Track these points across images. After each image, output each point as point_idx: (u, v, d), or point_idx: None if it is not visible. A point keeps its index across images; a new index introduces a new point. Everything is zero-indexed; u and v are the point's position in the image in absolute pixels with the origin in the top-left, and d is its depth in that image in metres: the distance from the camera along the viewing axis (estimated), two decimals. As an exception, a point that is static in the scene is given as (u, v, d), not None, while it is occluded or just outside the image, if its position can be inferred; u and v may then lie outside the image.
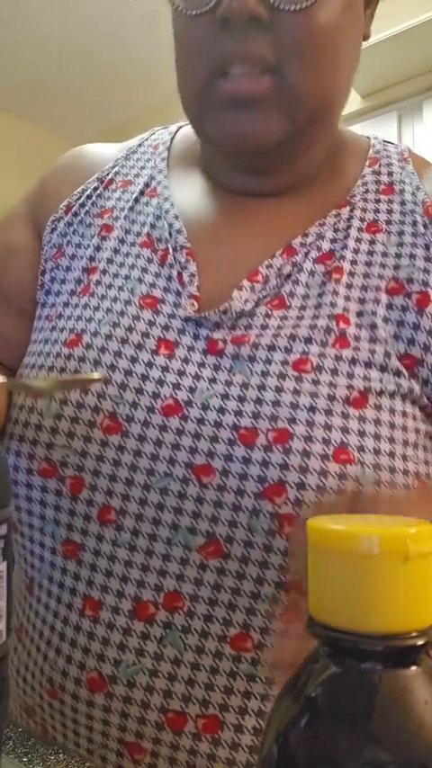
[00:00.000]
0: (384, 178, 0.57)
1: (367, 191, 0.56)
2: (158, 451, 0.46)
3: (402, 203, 0.55)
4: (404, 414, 0.48)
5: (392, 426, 0.47)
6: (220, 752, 0.45)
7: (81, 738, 0.47)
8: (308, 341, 0.48)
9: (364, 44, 0.56)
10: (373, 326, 0.49)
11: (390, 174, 0.57)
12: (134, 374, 0.49)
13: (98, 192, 0.60)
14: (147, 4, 2.28)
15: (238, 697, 0.45)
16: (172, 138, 0.63)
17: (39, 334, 0.56)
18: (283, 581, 0.43)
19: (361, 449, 0.45)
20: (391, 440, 0.47)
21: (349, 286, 0.51)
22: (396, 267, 0.52)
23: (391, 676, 0.20)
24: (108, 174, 0.62)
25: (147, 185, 0.59)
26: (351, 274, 0.51)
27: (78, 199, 0.60)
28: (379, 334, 0.49)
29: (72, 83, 2.74)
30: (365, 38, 0.56)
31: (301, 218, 0.54)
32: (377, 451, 0.46)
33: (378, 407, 0.47)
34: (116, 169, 0.62)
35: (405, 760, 0.19)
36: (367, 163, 0.58)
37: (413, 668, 0.20)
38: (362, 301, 0.50)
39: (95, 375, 0.48)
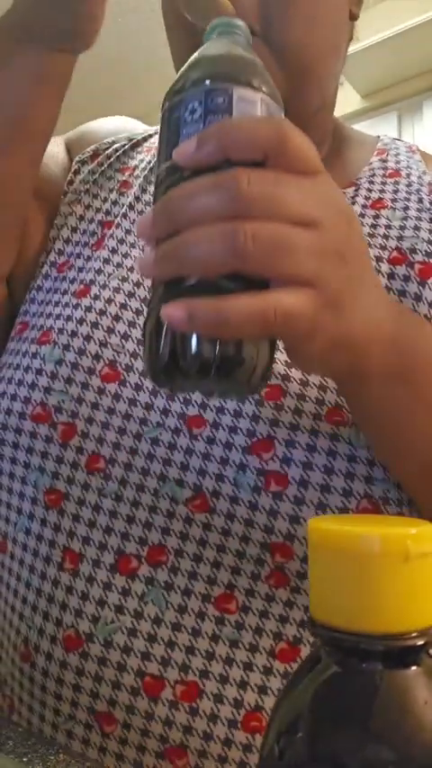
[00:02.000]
0: (391, 164, 0.57)
1: (374, 174, 0.56)
2: (153, 401, 0.47)
3: (408, 184, 0.55)
4: None
5: None
6: (198, 723, 0.42)
7: (47, 711, 0.44)
8: None
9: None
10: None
11: (397, 161, 0.58)
12: (137, 326, 0.49)
13: (125, 148, 0.61)
14: (147, 4, 2.28)
15: (219, 663, 0.42)
16: None
17: (46, 281, 0.55)
18: (268, 542, 0.42)
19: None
20: None
21: None
22: (400, 238, 0.51)
23: (392, 676, 0.20)
24: (138, 137, 0.62)
25: None
26: None
27: (107, 149, 0.61)
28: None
29: (72, 83, 2.74)
30: (353, 17, 0.56)
31: None
32: None
33: None
34: (146, 136, 0.63)
35: (405, 760, 0.19)
36: (375, 153, 0.59)
37: (414, 668, 0.20)
38: None
39: None
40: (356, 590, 0.20)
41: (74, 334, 0.50)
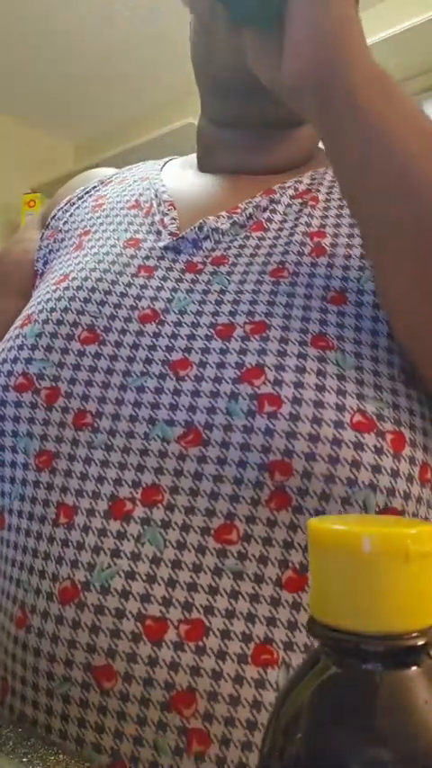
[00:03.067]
0: None
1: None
2: (135, 354, 0.48)
3: None
4: None
5: (375, 320, 0.47)
6: (206, 662, 0.39)
7: (40, 677, 0.42)
8: (284, 253, 0.51)
9: None
10: (351, 236, 0.52)
11: None
12: (113, 293, 0.52)
13: (97, 188, 0.67)
14: (146, 3, 2.28)
15: (224, 598, 0.41)
16: (163, 165, 0.69)
17: (36, 290, 0.59)
18: (265, 462, 0.41)
19: (340, 338, 0.46)
20: (374, 332, 0.47)
21: (326, 209, 0.54)
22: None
23: (392, 677, 0.20)
24: (109, 176, 0.69)
25: (141, 178, 0.65)
26: (327, 201, 0.55)
27: (79, 196, 0.67)
28: (355, 241, 0.51)
29: (72, 83, 2.74)
30: None
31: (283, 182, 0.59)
32: (358, 342, 0.46)
33: (359, 304, 0.48)
34: (116, 173, 0.69)
35: (406, 760, 0.19)
36: None
37: (414, 668, 0.20)
38: (339, 217, 0.53)
39: None
40: (356, 590, 0.20)
41: (52, 310, 0.52)
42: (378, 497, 0.41)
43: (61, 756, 0.35)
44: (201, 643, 0.40)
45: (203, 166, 0.65)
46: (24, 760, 0.34)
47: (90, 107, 2.91)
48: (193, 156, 0.67)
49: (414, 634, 0.20)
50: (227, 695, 0.39)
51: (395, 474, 0.42)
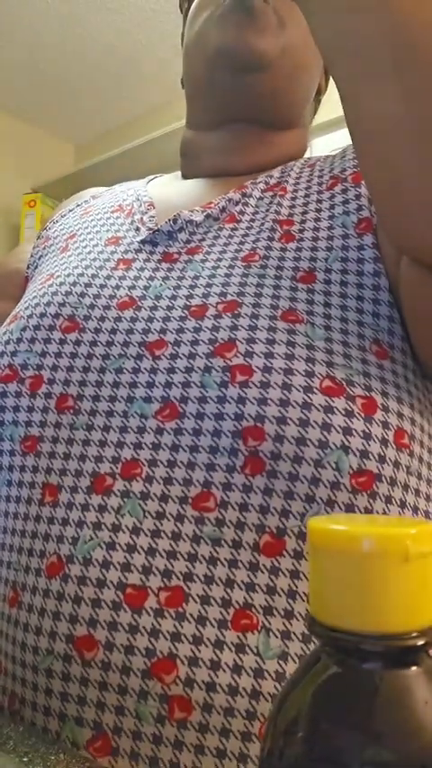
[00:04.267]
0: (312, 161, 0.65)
1: (312, 157, 0.65)
2: (113, 338, 0.50)
3: (343, 157, 0.62)
4: (359, 285, 0.49)
5: (344, 296, 0.49)
6: (186, 628, 0.40)
7: (27, 653, 0.43)
8: (255, 240, 0.53)
9: None
10: (317, 219, 0.54)
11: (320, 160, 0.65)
12: (93, 285, 0.54)
13: (88, 201, 0.72)
14: (147, 3, 2.28)
15: (203, 564, 0.41)
16: (149, 181, 0.73)
17: (26, 292, 0.62)
18: (239, 429, 0.42)
19: (310, 312, 0.47)
20: (344, 307, 0.48)
21: (293, 198, 0.57)
22: (331, 169, 0.59)
23: (392, 676, 0.20)
24: (101, 192, 0.73)
25: (127, 188, 0.70)
26: (294, 191, 0.58)
27: (71, 208, 0.72)
28: (322, 224, 0.53)
29: (72, 83, 2.74)
30: (319, 91, 0.73)
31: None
32: (327, 316, 0.47)
33: (327, 282, 0.49)
34: (108, 189, 0.73)
35: (406, 760, 0.19)
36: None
37: (413, 668, 0.20)
38: (306, 205, 0.56)
39: None
40: (356, 590, 0.20)
41: (37, 305, 0.55)
42: (351, 459, 0.42)
43: (62, 756, 0.35)
44: (180, 609, 0.40)
45: (186, 174, 0.69)
46: (25, 759, 0.34)
47: (90, 107, 2.91)
48: (178, 172, 0.72)
49: (414, 634, 0.20)
50: (207, 660, 0.39)
51: (367, 437, 0.43)
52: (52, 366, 0.50)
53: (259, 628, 0.40)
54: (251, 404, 0.43)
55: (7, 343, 0.54)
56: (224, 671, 0.39)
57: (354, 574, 0.20)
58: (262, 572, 0.41)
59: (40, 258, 0.67)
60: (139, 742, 0.39)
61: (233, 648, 0.40)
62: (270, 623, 0.41)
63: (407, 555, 0.20)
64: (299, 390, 0.43)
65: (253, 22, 0.60)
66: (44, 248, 0.67)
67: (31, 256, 0.69)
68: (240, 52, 0.60)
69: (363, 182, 0.54)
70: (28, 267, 0.69)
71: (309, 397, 0.43)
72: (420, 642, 0.20)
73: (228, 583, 0.41)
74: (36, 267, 0.67)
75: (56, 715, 0.41)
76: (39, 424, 0.49)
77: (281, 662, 0.40)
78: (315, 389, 0.43)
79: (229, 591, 0.41)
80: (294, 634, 0.41)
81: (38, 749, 0.35)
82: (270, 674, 0.40)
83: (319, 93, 0.73)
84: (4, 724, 0.38)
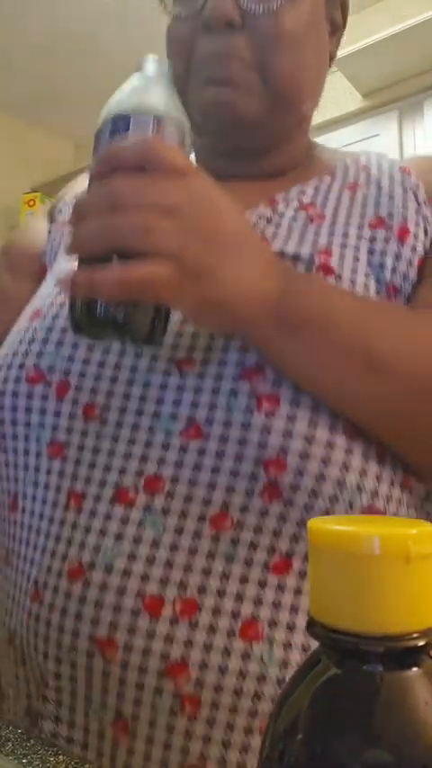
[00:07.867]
0: (363, 161, 0.62)
1: (347, 166, 0.61)
2: (143, 350, 0.50)
3: (380, 168, 0.60)
4: None
5: None
6: (198, 636, 0.44)
7: (51, 646, 0.46)
8: (294, 264, 0.52)
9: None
10: (356, 259, 0.52)
11: (368, 159, 0.62)
12: None
13: None
14: (146, 3, 2.28)
15: (216, 579, 0.44)
16: None
17: (44, 282, 0.61)
18: (261, 458, 0.44)
19: None
20: None
21: (332, 225, 0.55)
22: (377, 205, 0.56)
23: (392, 677, 0.20)
24: None
25: None
26: (333, 218, 0.55)
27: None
28: (360, 265, 0.52)
29: (72, 83, 2.74)
30: (332, 57, 0.62)
31: (283, 189, 0.58)
32: None
33: None
34: None
35: (406, 761, 0.19)
36: (348, 156, 0.63)
37: (414, 669, 0.20)
38: (345, 236, 0.54)
39: None
40: (357, 591, 0.20)
41: (62, 305, 0.54)
42: (363, 497, 0.45)
43: (61, 757, 0.35)
44: (194, 619, 0.44)
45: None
46: (24, 761, 0.34)
47: (90, 107, 2.91)
48: None
49: (414, 635, 0.20)
50: (216, 666, 0.43)
51: (379, 478, 0.45)
52: (79, 373, 0.50)
53: (264, 639, 0.44)
54: (276, 435, 0.44)
55: (31, 341, 0.53)
56: (231, 675, 0.43)
57: (354, 574, 0.20)
58: (270, 588, 0.45)
59: (58, 246, 0.64)
60: (154, 729, 0.44)
61: (240, 656, 0.44)
62: (274, 635, 0.44)
63: (408, 556, 0.20)
64: (324, 428, 0.44)
65: (230, 81, 0.52)
66: (62, 235, 0.64)
67: (49, 243, 0.65)
68: (224, 120, 0.54)
69: (407, 240, 0.53)
70: (45, 253, 0.65)
71: (333, 436, 0.44)
72: (421, 643, 0.20)
73: (238, 597, 0.44)
74: (55, 255, 0.63)
75: (82, 697, 0.45)
76: (65, 430, 0.50)
77: (282, 669, 0.44)
78: (339, 428, 0.45)
79: (238, 604, 0.44)
80: (295, 644, 0.44)
81: (37, 751, 0.35)
82: (272, 679, 0.43)
83: (337, 30, 0.62)
84: (3, 726, 0.38)
